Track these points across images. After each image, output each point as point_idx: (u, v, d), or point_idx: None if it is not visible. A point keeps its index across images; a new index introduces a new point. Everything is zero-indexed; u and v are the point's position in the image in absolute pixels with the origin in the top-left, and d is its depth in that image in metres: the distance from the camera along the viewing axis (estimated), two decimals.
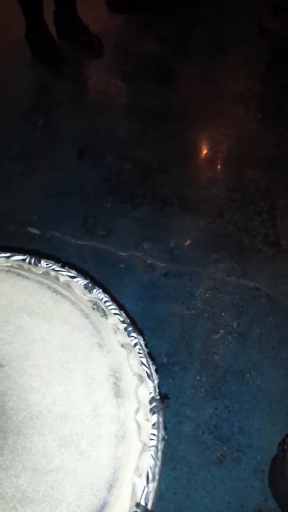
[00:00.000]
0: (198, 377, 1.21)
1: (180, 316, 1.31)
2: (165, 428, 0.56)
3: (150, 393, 0.57)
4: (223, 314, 1.32)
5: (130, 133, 1.81)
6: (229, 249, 1.47)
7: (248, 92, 2.01)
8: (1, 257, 0.67)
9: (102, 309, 0.64)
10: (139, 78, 2.06)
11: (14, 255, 0.67)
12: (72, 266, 0.67)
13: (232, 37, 2.28)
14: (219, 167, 1.73)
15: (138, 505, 0.50)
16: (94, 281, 0.65)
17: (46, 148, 1.74)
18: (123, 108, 1.94)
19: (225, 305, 1.34)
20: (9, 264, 0.67)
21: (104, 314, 0.63)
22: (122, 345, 0.61)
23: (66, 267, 0.66)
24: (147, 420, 0.55)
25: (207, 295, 1.36)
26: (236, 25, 2.35)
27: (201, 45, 2.25)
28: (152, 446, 0.53)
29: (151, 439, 0.54)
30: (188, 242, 1.48)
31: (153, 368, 0.60)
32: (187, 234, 1.49)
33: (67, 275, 0.65)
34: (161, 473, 0.52)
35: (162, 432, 0.55)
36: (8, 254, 0.67)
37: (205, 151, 1.80)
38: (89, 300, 0.64)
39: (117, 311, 0.63)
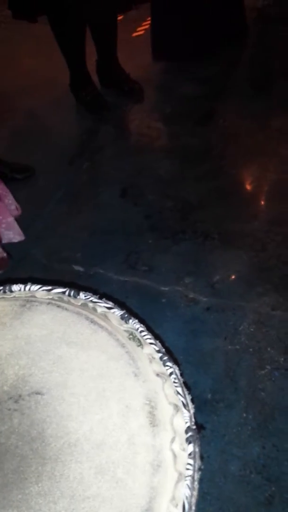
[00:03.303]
0: (245, 415, 1.17)
1: (224, 351, 1.29)
2: (202, 458, 0.55)
3: (186, 422, 0.57)
4: (269, 349, 1.29)
5: (170, 172, 1.86)
6: (273, 282, 1.44)
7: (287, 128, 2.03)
8: (43, 290, 0.71)
9: (138, 339, 0.65)
10: (179, 119, 2.14)
11: (55, 288, 0.70)
12: (109, 298, 0.69)
13: (269, 75, 2.34)
14: (260, 201, 1.74)
15: None
16: (130, 312, 0.67)
17: (90, 189, 1.82)
18: (163, 149, 2.00)
19: (271, 339, 1.31)
20: (50, 297, 0.70)
21: (140, 344, 0.65)
22: (158, 374, 0.62)
23: (103, 299, 0.69)
24: (183, 449, 0.55)
25: (252, 330, 1.33)
26: (272, 64, 2.41)
27: (239, 85, 2.31)
28: (188, 476, 0.53)
29: (187, 469, 0.53)
30: (231, 276, 1.47)
31: (188, 397, 0.60)
32: (229, 268, 1.49)
33: (104, 306, 0.68)
34: (197, 504, 0.52)
35: (198, 462, 0.55)
36: (50, 287, 0.71)
37: (245, 187, 1.81)
38: (125, 330, 0.66)
39: (152, 341, 0.64)
